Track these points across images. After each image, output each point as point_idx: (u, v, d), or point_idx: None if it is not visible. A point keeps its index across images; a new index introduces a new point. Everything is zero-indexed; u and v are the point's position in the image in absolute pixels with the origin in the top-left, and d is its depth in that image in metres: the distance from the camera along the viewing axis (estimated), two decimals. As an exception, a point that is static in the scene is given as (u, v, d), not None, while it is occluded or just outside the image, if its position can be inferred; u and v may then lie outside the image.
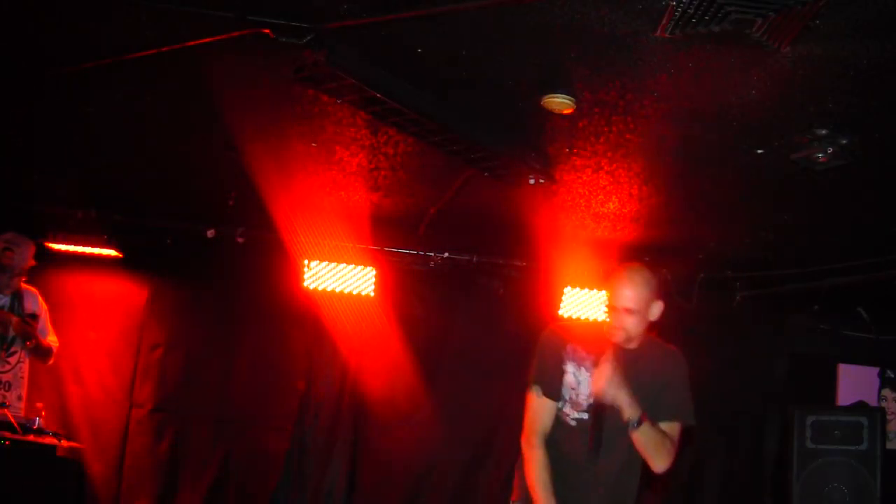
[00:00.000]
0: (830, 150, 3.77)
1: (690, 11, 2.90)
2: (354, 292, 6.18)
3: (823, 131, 3.73)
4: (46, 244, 6.07)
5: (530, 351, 6.43)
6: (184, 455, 6.51)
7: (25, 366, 5.66)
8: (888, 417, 6.21)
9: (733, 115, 3.70)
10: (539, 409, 3.64)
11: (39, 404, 5.68)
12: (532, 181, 4.52)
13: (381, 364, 6.46)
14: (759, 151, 4.05)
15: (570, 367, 3.55)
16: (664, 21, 3.00)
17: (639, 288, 3.51)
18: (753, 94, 3.49)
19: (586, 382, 3.49)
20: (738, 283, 6.04)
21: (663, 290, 3.57)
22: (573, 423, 3.51)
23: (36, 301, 5.68)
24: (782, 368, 6.37)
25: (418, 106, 3.80)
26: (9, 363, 5.54)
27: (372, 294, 6.19)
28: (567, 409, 3.53)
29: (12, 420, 5.12)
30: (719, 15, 2.88)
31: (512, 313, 6.47)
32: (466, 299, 6.59)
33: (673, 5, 2.90)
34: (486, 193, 5.02)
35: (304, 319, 6.42)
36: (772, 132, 3.84)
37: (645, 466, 3.61)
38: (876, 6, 2.83)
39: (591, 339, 3.59)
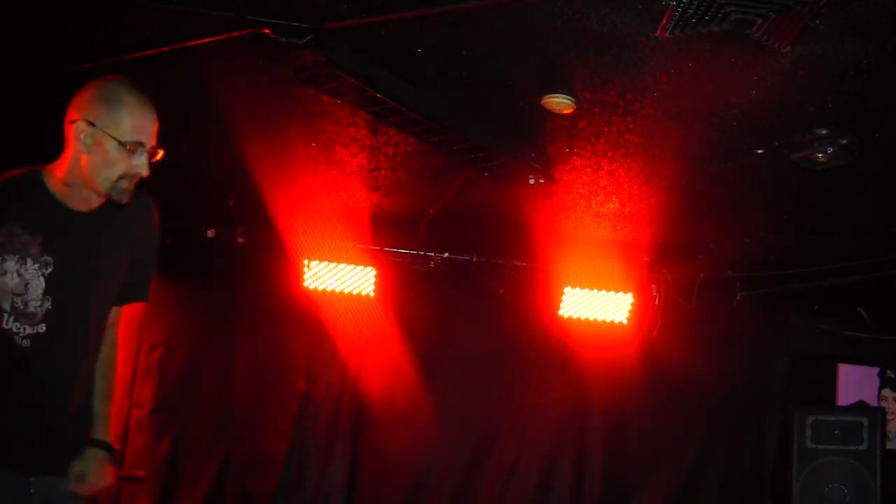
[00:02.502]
0: (830, 150, 3.77)
1: (690, 11, 2.90)
2: (354, 292, 6.18)
3: (823, 131, 3.73)
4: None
5: (530, 351, 6.50)
6: (184, 455, 6.51)
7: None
8: (888, 417, 6.21)
9: (733, 115, 3.70)
10: None
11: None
12: (532, 181, 4.52)
13: (381, 364, 6.47)
14: (759, 151, 4.05)
15: (9, 264, 2.52)
16: (664, 21, 3.00)
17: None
18: (753, 94, 3.49)
19: (38, 279, 2.53)
20: (738, 283, 6.04)
21: None
22: (26, 342, 2.56)
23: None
24: (782, 368, 6.37)
25: (418, 106, 3.81)
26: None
27: (372, 294, 6.19)
28: (12, 324, 2.55)
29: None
30: (719, 15, 2.88)
31: (512, 313, 6.47)
32: (466, 299, 6.59)
33: (673, 5, 2.90)
34: (486, 193, 5.02)
35: (304, 319, 6.42)
36: (772, 132, 3.84)
37: None
38: (876, 6, 2.82)
39: (34, 208, 2.58)
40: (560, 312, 6.18)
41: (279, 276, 6.20)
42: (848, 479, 5.38)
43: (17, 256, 2.47)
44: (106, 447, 2.77)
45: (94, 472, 2.71)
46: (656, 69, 3.39)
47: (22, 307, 2.50)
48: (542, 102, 3.72)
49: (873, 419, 5.49)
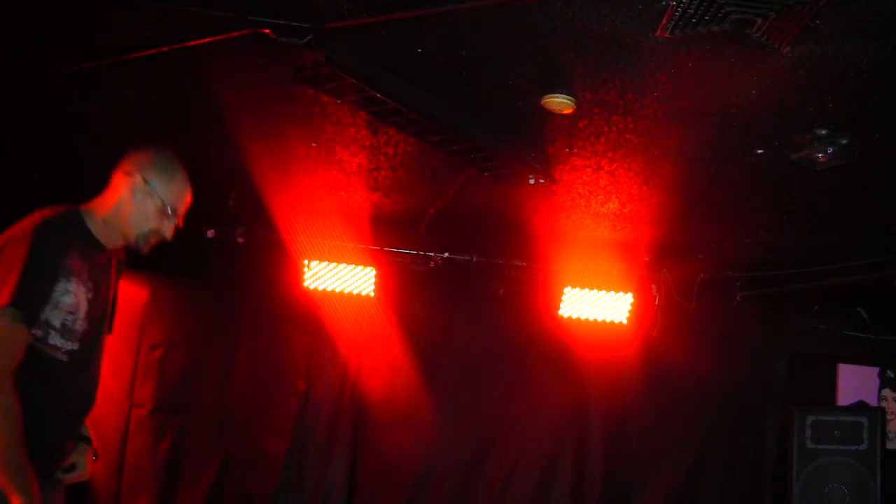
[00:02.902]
0: (830, 150, 3.76)
1: (690, 11, 2.90)
2: (354, 292, 6.18)
3: (823, 131, 3.73)
4: (46, 244, 6.07)
5: (530, 351, 6.51)
6: (184, 455, 6.51)
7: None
8: (888, 417, 6.22)
9: (733, 115, 3.70)
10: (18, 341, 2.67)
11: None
12: (532, 181, 4.52)
13: (381, 364, 6.47)
14: (759, 151, 4.05)
15: (70, 285, 2.82)
16: (664, 21, 3.00)
17: None
18: (753, 94, 3.49)
19: (84, 302, 2.86)
20: (738, 283, 6.04)
21: None
22: (65, 357, 2.84)
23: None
24: (782, 368, 6.37)
25: (418, 106, 3.81)
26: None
27: (372, 294, 6.19)
28: (57, 340, 2.82)
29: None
30: (719, 15, 2.88)
31: (512, 313, 6.47)
32: (466, 299, 6.59)
33: (673, 5, 2.90)
34: (486, 193, 5.02)
35: (304, 319, 6.42)
36: (772, 132, 3.84)
37: None
38: (876, 6, 2.83)
39: (83, 240, 2.94)
40: (560, 312, 6.18)
41: (279, 276, 6.20)
42: (848, 479, 5.39)
43: (75, 279, 2.79)
44: (88, 441, 3.09)
45: (83, 464, 3.06)
46: (656, 69, 3.39)
47: (70, 325, 2.81)
48: (542, 102, 3.72)
49: (873, 419, 5.49)
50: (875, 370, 6.40)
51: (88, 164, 5.42)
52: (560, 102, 3.69)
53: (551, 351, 6.43)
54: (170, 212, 3.07)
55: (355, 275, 6.15)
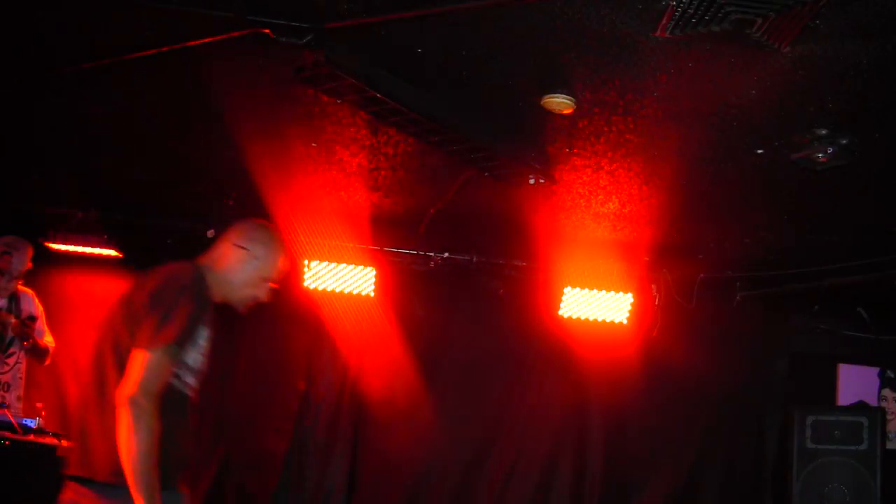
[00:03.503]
0: (830, 150, 3.77)
1: (690, 11, 2.90)
2: (354, 292, 6.18)
3: (823, 131, 3.73)
4: (46, 244, 6.07)
5: (530, 351, 6.50)
6: (184, 455, 6.50)
7: (23, 366, 5.66)
8: (888, 417, 6.22)
9: (733, 115, 3.70)
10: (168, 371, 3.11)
11: (39, 404, 5.68)
12: (532, 181, 4.52)
13: (381, 364, 6.46)
14: (759, 151, 4.05)
15: (205, 332, 3.23)
16: (664, 21, 3.00)
17: None
18: (753, 94, 3.49)
19: (206, 345, 3.29)
20: (738, 283, 6.04)
21: None
22: (189, 392, 3.28)
23: (32, 303, 5.68)
24: (782, 368, 6.37)
25: (418, 106, 3.80)
26: (7, 364, 5.55)
27: (372, 294, 6.19)
28: (189, 379, 3.24)
29: (12, 420, 5.12)
30: (719, 15, 2.88)
31: (512, 313, 6.47)
32: (466, 299, 6.59)
33: (673, 5, 2.90)
34: (486, 193, 5.02)
35: (304, 319, 6.42)
36: (772, 132, 3.85)
37: None
38: (876, 6, 2.83)
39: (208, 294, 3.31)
40: (560, 312, 6.18)
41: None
42: (848, 479, 5.39)
43: (207, 328, 3.19)
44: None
45: None
46: (656, 69, 3.39)
47: (198, 366, 3.24)
48: (542, 102, 3.72)
49: (873, 419, 5.49)
50: (875, 370, 6.40)
51: (88, 164, 5.45)
52: (560, 102, 3.69)
53: (551, 351, 6.43)
54: (268, 281, 3.41)
55: (355, 275, 6.15)
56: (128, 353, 3.00)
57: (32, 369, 5.83)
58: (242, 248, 3.34)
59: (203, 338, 3.18)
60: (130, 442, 2.86)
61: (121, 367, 3.01)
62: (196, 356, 3.19)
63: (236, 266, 3.35)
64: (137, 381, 2.91)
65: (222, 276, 3.33)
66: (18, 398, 5.63)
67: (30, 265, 5.60)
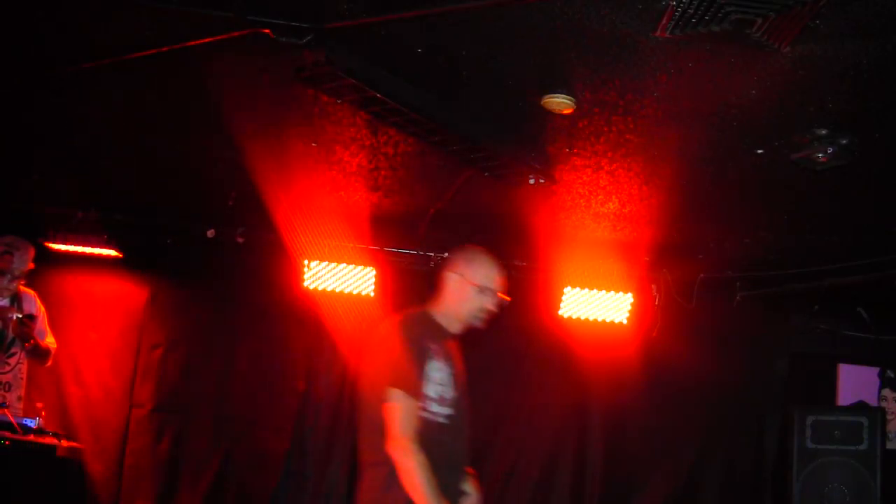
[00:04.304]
0: (830, 150, 3.77)
1: (690, 11, 2.90)
2: (354, 292, 6.18)
3: (823, 131, 3.73)
4: (46, 244, 6.07)
5: (530, 351, 6.49)
6: (184, 455, 6.51)
7: (24, 367, 5.66)
8: (888, 417, 6.22)
9: (733, 115, 3.70)
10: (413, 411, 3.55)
11: (39, 404, 5.68)
12: (532, 181, 4.52)
13: (381, 364, 6.45)
14: (759, 151, 4.05)
15: (441, 364, 3.64)
16: (664, 21, 3.00)
17: None
18: (753, 94, 3.49)
19: (448, 377, 3.69)
20: (738, 283, 6.04)
21: None
22: (444, 420, 3.64)
23: (34, 304, 5.68)
24: (782, 368, 6.37)
25: (418, 106, 3.80)
26: (8, 364, 5.55)
27: (372, 294, 6.19)
28: (435, 408, 3.60)
29: (12, 420, 5.12)
30: (719, 15, 2.88)
31: (512, 313, 6.45)
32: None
33: (673, 5, 2.90)
34: (486, 193, 5.03)
35: (304, 319, 6.42)
36: (772, 132, 3.85)
37: None
38: (876, 6, 2.83)
39: (438, 331, 3.75)
40: (560, 312, 6.18)
41: (279, 275, 6.21)
42: (848, 479, 5.38)
43: (438, 359, 3.59)
44: (470, 493, 3.91)
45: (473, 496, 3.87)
46: (656, 69, 3.39)
47: (443, 395, 3.61)
48: (542, 102, 3.72)
49: (873, 419, 5.49)
50: (875, 370, 6.40)
51: (88, 164, 5.45)
52: (560, 102, 3.69)
53: (551, 351, 6.42)
54: (489, 291, 3.71)
55: (355, 275, 6.15)
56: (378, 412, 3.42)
57: (33, 369, 5.84)
58: (454, 274, 3.70)
59: (436, 370, 3.55)
60: (412, 480, 3.32)
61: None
62: (436, 387, 3.56)
63: (454, 293, 3.73)
64: (396, 430, 3.38)
65: (445, 307, 3.75)
66: (19, 398, 5.63)
67: (32, 266, 5.60)
